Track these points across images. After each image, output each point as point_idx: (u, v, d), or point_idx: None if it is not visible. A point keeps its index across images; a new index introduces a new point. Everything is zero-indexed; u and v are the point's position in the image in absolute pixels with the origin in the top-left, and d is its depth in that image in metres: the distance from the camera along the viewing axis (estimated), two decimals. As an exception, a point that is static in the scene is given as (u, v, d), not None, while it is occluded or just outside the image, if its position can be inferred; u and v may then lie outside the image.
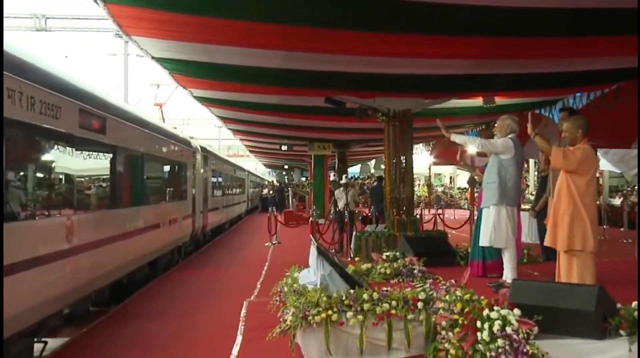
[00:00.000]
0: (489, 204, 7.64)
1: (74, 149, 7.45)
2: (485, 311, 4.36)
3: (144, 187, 11.30)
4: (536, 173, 33.20)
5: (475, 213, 9.81)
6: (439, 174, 48.70)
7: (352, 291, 5.02)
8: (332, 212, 15.34)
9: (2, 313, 5.04)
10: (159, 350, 6.41)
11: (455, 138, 8.05)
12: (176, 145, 14.19)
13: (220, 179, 23.50)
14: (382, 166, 16.86)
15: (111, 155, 9.09)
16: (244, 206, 34.46)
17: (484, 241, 7.80)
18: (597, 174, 13.32)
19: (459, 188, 45.20)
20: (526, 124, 6.54)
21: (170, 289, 10.50)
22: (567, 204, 6.16)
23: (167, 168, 13.56)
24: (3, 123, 5.30)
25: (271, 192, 43.11)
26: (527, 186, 28.95)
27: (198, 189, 16.81)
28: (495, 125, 8.04)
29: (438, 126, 8.26)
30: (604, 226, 17.08)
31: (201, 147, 18.47)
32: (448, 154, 23.41)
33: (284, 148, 24.06)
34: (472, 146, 8.19)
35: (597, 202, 6.77)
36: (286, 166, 50.09)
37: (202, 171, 17.85)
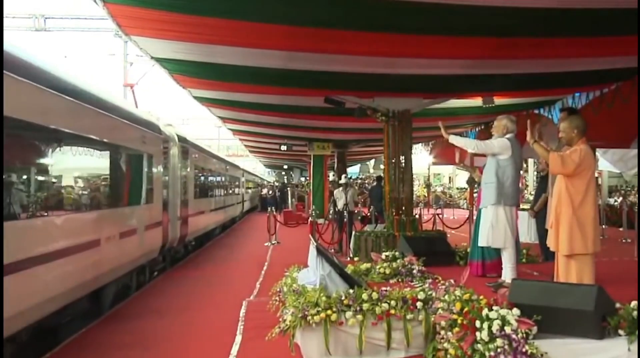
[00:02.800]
0: (487, 204, 7.65)
1: None
2: (485, 311, 4.37)
3: (59, 187, 7.42)
4: (535, 172, 33.24)
5: (475, 212, 9.81)
6: (438, 174, 48.71)
7: (351, 291, 5.03)
8: (331, 212, 15.34)
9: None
10: (157, 349, 6.39)
11: (453, 139, 8.07)
12: (131, 128, 10.14)
13: (207, 178, 20.23)
14: (382, 166, 16.86)
15: None
16: (238, 209, 31.23)
17: (482, 241, 7.81)
18: (596, 174, 13.34)
19: (458, 188, 45.24)
20: (525, 124, 6.57)
21: (169, 288, 10.49)
22: (567, 207, 6.17)
23: (111, 159, 9.20)
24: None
25: (270, 192, 43.18)
26: (527, 186, 28.98)
27: (173, 190, 13.56)
28: (493, 125, 8.05)
29: (437, 126, 8.28)
30: (603, 226, 17.08)
31: (179, 136, 14.70)
32: (447, 154, 23.46)
33: (283, 147, 24.04)
34: (469, 148, 8.20)
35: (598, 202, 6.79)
36: (286, 166, 50.13)
37: (179, 167, 14.42)
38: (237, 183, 30.89)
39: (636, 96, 10.24)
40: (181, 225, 14.33)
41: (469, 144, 8.26)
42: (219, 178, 23.17)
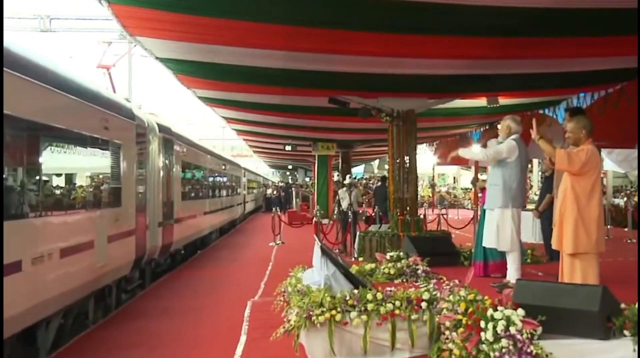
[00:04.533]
0: (494, 206, 7.61)
1: None
2: (489, 312, 4.36)
3: None
4: (540, 173, 33.12)
5: (479, 213, 9.80)
6: (443, 174, 48.67)
7: (355, 291, 5.02)
8: (335, 212, 15.35)
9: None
10: (163, 349, 6.42)
11: (463, 153, 8.02)
12: (85, 108, 7.77)
13: (199, 176, 17.75)
14: (386, 166, 16.86)
15: None
16: (238, 211, 28.91)
17: (488, 243, 7.79)
18: (602, 175, 13.30)
19: (462, 188, 45.20)
20: (531, 124, 6.54)
21: (175, 288, 10.51)
22: (572, 206, 6.15)
23: (44, 145, 6.62)
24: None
25: (275, 192, 43.24)
26: (531, 186, 28.93)
27: (152, 190, 11.21)
28: (498, 127, 8.04)
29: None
30: (608, 226, 17.03)
31: (161, 126, 12.13)
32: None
33: (287, 148, 24.08)
34: (480, 158, 8.13)
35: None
36: (290, 166, 50.19)
37: (162, 162, 12.11)
38: (237, 183, 28.76)
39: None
40: (164, 231, 11.98)
41: (479, 155, 8.20)
42: (215, 177, 20.98)
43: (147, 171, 10.90)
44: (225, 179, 23.95)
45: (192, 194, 16.14)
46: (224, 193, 23.09)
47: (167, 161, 12.61)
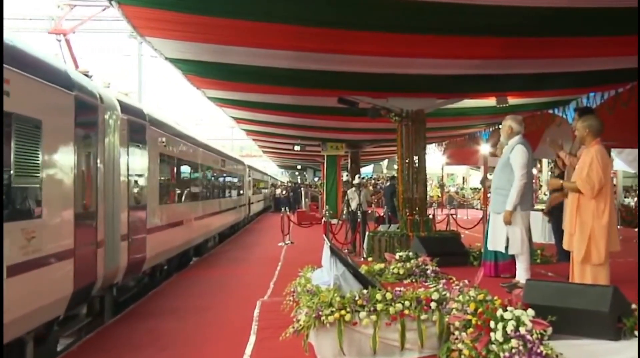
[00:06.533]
0: (500, 210, 7.53)
1: None
2: (499, 312, 4.35)
3: None
4: (549, 173, 33.01)
5: (489, 213, 9.78)
6: (452, 174, 48.56)
7: (365, 291, 5.02)
8: (344, 212, 15.35)
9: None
10: (173, 348, 6.45)
11: (511, 205, 7.56)
12: None
13: (188, 174, 14.95)
14: (395, 166, 16.84)
15: None
16: (241, 213, 25.97)
17: (497, 247, 7.76)
18: (612, 174, 13.23)
19: (471, 188, 45.08)
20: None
21: (185, 287, 10.55)
22: (584, 218, 6.13)
23: None
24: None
25: (284, 192, 43.31)
26: (540, 186, 28.81)
27: (110, 192, 8.54)
28: (499, 128, 7.99)
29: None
30: (618, 227, 16.95)
31: (124, 105, 9.36)
32: (461, 154, 23.43)
33: (297, 148, 24.09)
34: (521, 186, 7.60)
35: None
36: (299, 166, 50.27)
37: (126, 153, 9.28)
38: (239, 182, 25.98)
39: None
40: (132, 246, 9.35)
41: (519, 189, 7.39)
42: (210, 175, 18.13)
43: (98, 164, 7.99)
44: (224, 177, 21.41)
45: (177, 197, 13.30)
46: (222, 193, 20.61)
47: (136, 153, 9.81)
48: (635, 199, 22.34)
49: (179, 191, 13.48)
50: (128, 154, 9.37)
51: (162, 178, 11.73)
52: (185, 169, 14.59)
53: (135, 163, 9.78)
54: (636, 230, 16.51)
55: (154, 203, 10.86)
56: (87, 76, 8.47)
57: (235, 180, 24.92)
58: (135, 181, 9.75)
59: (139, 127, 10.03)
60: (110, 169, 8.57)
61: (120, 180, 8.97)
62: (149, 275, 11.29)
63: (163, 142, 11.63)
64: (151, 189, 10.63)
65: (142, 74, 24.69)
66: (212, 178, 18.72)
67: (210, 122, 49.14)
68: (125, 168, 9.23)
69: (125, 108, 9.36)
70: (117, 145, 8.87)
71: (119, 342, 6.95)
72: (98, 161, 7.98)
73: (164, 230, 11.47)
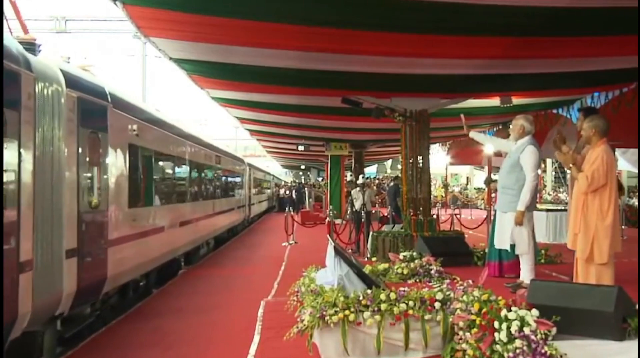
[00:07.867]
0: (507, 209, 7.56)
1: None
2: (503, 312, 4.36)
3: None
4: (553, 173, 32.95)
5: (493, 213, 9.77)
6: (456, 174, 48.52)
7: (369, 291, 5.03)
8: (348, 212, 15.35)
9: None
10: (177, 348, 6.46)
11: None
12: None
13: (171, 171, 12.49)
14: (399, 166, 16.84)
15: None
16: (240, 215, 23.77)
17: (503, 245, 7.76)
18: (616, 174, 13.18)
19: (475, 188, 45.04)
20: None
21: (189, 287, 10.57)
22: (590, 218, 6.12)
23: None
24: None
25: (288, 192, 43.35)
26: (545, 186, 28.77)
27: (49, 193, 6.27)
28: (510, 126, 7.98)
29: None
30: (623, 226, 16.91)
31: (71, 78, 7.00)
32: (465, 154, 23.39)
33: (300, 148, 24.09)
34: (531, 191, 7.58)
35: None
36: (303, 166, 50.30)
37: (75, 142, 6.95)
38: (238, 182, 23.88)
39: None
40: (84, 263, 7.00)
41: (531, 190, 7.50)
42: (200, 173, 15.42)
43: (23, 156, 5.71)
44: (219, 176, 19.06)
45: (156, 198, 10.80)
46: (217, 193, 18.17)
47: (93, 143, 7.55)
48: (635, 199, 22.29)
49: (158, 192, 11.01)
50: (79, 144, 7.04)
51: (133, 176, 9.25)
52: (167, 165, 12.12)
53: (92, 156, 7.47)
54: (641, 230, 16.45)
55: (120, 207, 8.52)
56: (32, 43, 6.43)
57: (234, 179, 22.76)
58: (90, 179, 7.47)
59: (97, 109, 7.70)
60: (47, 163, 6.26)
61: (64, 178, 6.63)
62: (121, 294, 9.22)
63: (134, 130, 9.14)
64: (116, 189, 8.33)
65: (146, 75, 24.61)
66: (204, 176, 16.16)
67: (215, 122, 49.20)
68: (74, 162, 6.94)
69: (74, 83, 7.01)
70: (60, 131, 6.51)
71: (125, 341, 6.97)
72: (22, 151, 5.68)
73: (135, 240, 9.13)
